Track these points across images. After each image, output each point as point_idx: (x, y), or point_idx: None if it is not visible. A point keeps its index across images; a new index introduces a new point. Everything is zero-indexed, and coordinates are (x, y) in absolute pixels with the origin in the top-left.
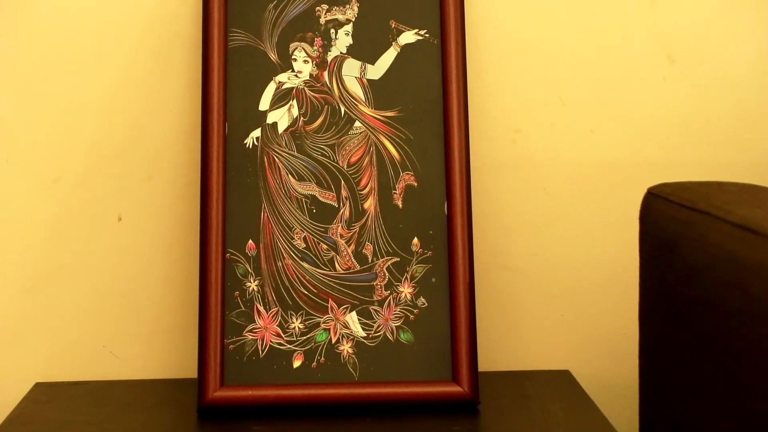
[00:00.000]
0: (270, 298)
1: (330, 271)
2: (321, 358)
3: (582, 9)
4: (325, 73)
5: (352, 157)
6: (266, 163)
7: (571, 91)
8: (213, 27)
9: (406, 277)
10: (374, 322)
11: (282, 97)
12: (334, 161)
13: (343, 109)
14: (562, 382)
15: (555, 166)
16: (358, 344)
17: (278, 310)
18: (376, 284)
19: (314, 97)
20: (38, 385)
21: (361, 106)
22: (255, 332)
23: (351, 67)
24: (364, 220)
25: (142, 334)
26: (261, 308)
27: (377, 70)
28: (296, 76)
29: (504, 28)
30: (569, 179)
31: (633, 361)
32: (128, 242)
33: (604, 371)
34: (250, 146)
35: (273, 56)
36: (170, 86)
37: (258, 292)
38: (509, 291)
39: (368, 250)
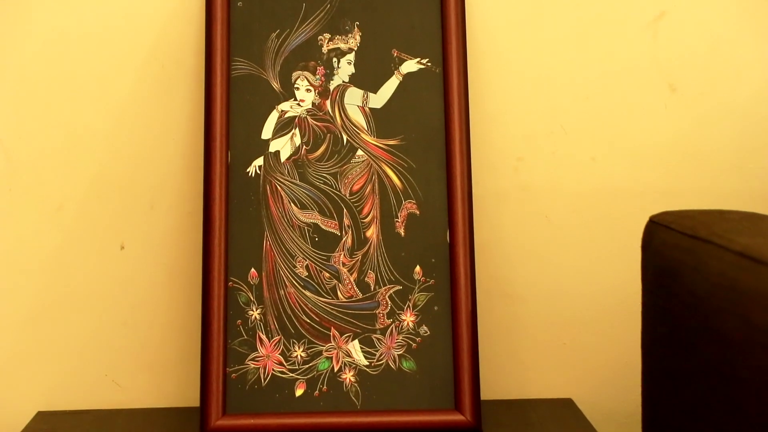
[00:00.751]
0: (272, 326)
1: (332, 299)
2: (323, 386)
3: (583, 38)
4: (328, 102)
5: (354, 185)
6: (269, 192)
7: (573, 119)
8: (216, 56)
9: (409, 306)
10: (377, 351)
11: (284, 126)
12: (336, 189)
13: (345, 137)
14: (564, 410)
15: (557, 194)
16: (360, 373)
17: (280, 338)
18: (379, 312)
19: (316, 125)
20: (40, 414)
21: (363, 135)
22: (257, 361)
23: (353, 96)
24: (366, 248)
25: (144, 363)
26: (263, 336)
27: (379, 98)
28: (299, 104)
29: (506, 56)
30: (571, 207)
31: (635, 389)
32: (131, 271)
33: (606, 400)
34: (253, 175)
35: (275, 85)
36: (173, 115)
37: (260, 320)
38: (512, 319)
39: (370, 279)
